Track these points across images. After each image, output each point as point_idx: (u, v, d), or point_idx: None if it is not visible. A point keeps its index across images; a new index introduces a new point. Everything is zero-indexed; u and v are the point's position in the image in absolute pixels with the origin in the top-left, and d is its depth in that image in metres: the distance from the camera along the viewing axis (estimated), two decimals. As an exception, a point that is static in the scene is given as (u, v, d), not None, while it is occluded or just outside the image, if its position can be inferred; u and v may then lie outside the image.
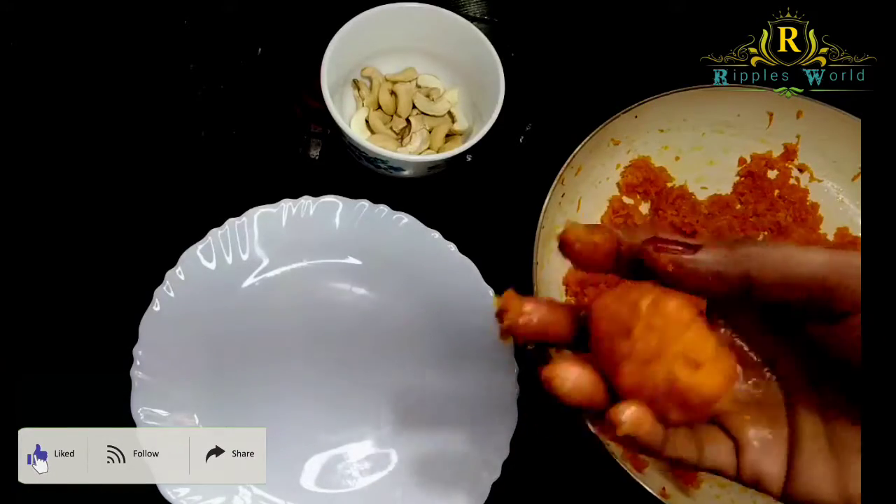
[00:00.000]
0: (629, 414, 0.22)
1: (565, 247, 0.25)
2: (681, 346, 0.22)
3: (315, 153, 0.52)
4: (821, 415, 0.24)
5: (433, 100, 0.52)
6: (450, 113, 0.52)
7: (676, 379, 0.22)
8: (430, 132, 0.51)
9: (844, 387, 0.24)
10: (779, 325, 0.25)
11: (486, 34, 0.48)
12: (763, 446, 0.24)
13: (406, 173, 0.49)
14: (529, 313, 0.25)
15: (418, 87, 0.52)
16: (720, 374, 0.23)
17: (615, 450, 0.41)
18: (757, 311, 0.25)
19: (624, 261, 0.25)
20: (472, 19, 0.55)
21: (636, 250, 0.24)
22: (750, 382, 0.25)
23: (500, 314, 0.25)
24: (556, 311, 0.25)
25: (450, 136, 0.52)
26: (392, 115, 0.52)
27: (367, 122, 0.51)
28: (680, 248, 0.24)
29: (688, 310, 0.23)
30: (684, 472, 0.44)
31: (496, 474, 0.43)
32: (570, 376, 0.23)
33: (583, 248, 0.24)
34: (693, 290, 0.24)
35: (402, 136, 0.51)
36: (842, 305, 0.22)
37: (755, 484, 0.24)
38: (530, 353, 0.45)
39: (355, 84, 0.52)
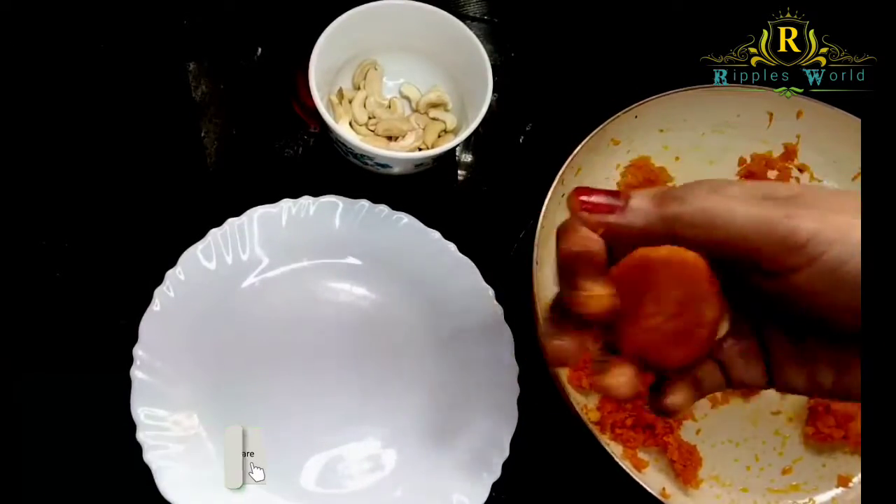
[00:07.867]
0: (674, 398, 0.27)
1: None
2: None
3: (315, 154, 0.52)
4: (786, 335, 0.27)
5: (428, 99, 0.51)
6: (443, 109, 0.52)
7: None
8: (423, 130, 0.51)
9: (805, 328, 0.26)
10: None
11: (486, 34, 0.48)
12: (745, 361, 0.28)
13: (395, 170, 0.49)
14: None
15: (411, 84, 0.52)
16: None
17: (615, 450, 0.41)
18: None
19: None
20: (472, 19, 0.55)
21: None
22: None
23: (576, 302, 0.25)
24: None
25: (442, 133, 0.51)
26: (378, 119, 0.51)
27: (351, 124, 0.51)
28: (605, 206, 0.25)
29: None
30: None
31: (496, 474, 0.43)
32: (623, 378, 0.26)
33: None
34: (625, 244, 0.25)
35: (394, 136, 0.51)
36: (767, 265, 0.24)
37: (744, 388, 0.29)
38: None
39: (340, 93, 0.52)
